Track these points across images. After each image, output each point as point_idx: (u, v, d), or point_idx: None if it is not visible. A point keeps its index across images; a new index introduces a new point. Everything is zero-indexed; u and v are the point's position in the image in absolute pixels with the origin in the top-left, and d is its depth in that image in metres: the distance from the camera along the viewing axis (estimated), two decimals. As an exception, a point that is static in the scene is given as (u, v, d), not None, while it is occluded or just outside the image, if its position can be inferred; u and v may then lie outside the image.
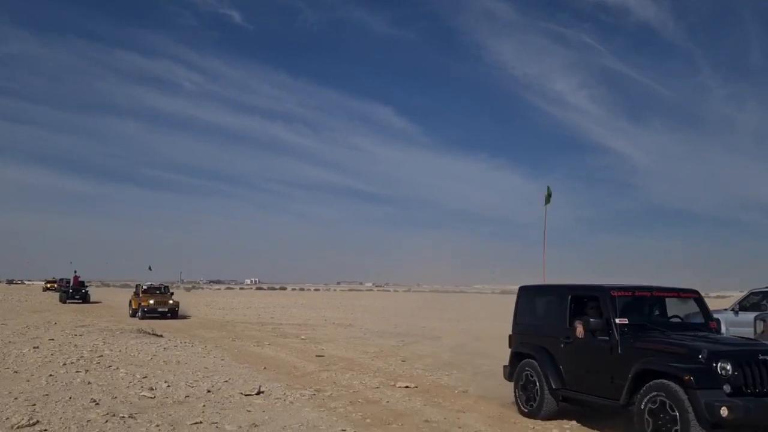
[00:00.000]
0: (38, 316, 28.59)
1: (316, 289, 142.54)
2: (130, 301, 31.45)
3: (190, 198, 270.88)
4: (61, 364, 12.28)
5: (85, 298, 46.52)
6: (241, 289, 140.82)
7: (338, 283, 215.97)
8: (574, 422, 8.00)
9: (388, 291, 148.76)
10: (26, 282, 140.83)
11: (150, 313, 28.29)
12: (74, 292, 46.53)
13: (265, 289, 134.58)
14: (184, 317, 29.97)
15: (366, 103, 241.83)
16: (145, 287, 31.46)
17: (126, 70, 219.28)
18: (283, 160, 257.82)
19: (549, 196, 13.32)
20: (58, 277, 69.52)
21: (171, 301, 29.91)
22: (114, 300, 50.83)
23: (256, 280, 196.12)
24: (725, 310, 16.08)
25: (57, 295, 59.70)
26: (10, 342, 16.22)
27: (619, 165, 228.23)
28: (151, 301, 29.13)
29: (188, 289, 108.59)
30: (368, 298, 75.65)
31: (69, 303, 43.64)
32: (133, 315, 29.67)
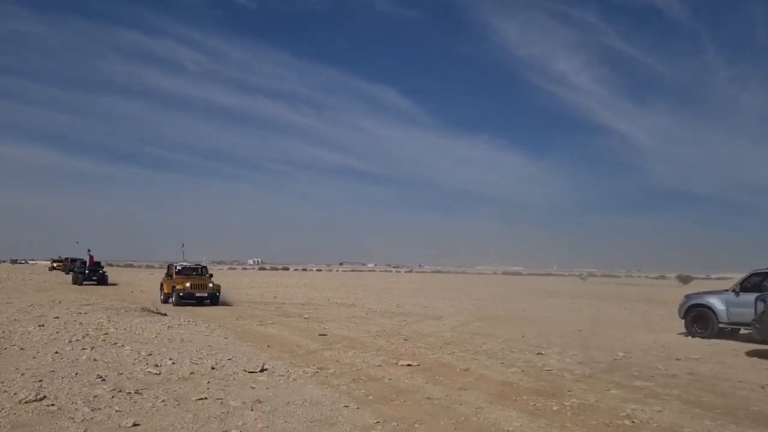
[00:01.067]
0: (43, 294, 28.76)
1: (318, 270, 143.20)
2: (162, 284, 27.07)
3: (193, 178, 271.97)
4: (67, 341, 12.40)
5: (102, 280, 42.25)
6: (243, 269, 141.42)
7: (341, 264, 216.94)
8: (574, 400, 8.09)
9: (390, 272, 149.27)
10: (30, 261, 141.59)
11: (186, 299, 23.93)
12: (90, 272, 42.16)
13: (267, 270, 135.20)
14: (226, 304, 25.28)
15: (369, 83, 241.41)
16: (179, 267, 26.27)
17: (128, 49, 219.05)
18: (286, 140, 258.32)
19: None
20: (63, 257, 67.80)
21: (211, 285, 24.63)
22: (119, 279, 50.83)
23: (259, 260, 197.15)
24: (726, 291, 16.18)
25: (63, 274, 58.17)
26: (15, 320, 16.36)
27: (621, 146, 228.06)
28: (188, 284, 24.08)
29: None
30: (370, 279, 75.95)
31: (85, 285, 40.08)
32: (165, 301, 25.31)
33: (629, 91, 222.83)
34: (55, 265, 70.98)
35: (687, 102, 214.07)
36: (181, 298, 23.81)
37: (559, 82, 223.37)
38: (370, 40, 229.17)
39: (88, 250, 44.22)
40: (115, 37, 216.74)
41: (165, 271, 28.57)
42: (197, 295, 24.05)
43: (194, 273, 26.21)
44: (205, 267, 27.23)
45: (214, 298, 24.46)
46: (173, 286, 24.54)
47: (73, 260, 60.32)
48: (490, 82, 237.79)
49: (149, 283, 47.14)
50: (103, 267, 44.51)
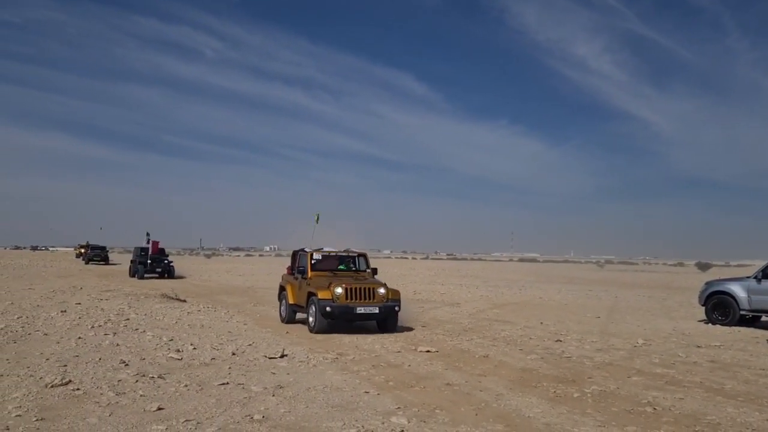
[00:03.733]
0: (64, 281, 29.15)
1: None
2: (283, 289, 15.21)
3: (210, 165, 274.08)
4: (89, 327, 12.58)
5: (168, 272, 33.55)
6: (260, 256, 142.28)
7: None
8: (595, 387, 8.06)
9: (406, 258, 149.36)
10: (50, 248, 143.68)
11: (340, 318, 12.70)
12: (154, 263, 33.27)
13: (284, 256, 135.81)
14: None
15: (387, 69, 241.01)
16: (318, 256, 14.34)
17: (146, 36, 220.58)
18: (303, 126, 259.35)
19: None
20: (91, 243, 63.21)
21: (382, 290, 13.02)
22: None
23: (276, 246, 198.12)
24: (747, 278, 16.00)
25: (83, 262, 55.13)
26: (38, 306, 16.61)
27: (640, 132, 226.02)
28: (339, 290, 12.62)
29: (208, 256, 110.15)
30: (387, 266, 75.98)
31: (147, 278, 32.48)
32: (291, 319, 14.53)
33: (650, 76, 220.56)
34: (83, 251, 64.80)
35: (709, 87, 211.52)
36: (331, 316, 12.60)
37: (578, 66, 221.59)
38: (388, 26, 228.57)
39: (147, 234, 34.61)
40: (132, 24, 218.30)
41: (288, 262, 16.20)
42: (359, 311, 12.62)
43: (343, 266, 14.69)
44: (362, 255, 15.00)
45: (389, 317, 13.13)
46: (311, 293, 13.15)
47: (94, 247, 57.36)
48: (508, 68, 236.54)
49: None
50: (167, 255, 36.07)
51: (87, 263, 53.32)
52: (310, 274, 13.86)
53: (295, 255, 15.45)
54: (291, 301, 14.56)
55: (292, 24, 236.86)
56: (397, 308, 13.12)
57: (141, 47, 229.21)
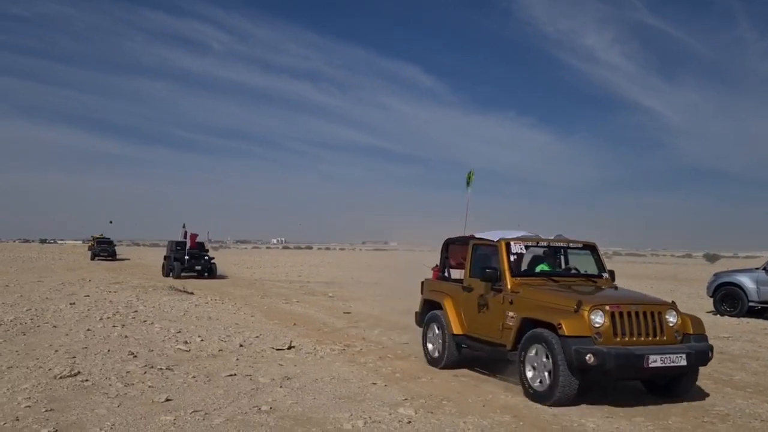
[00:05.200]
0: (72, 273, 29.31)
1: (341, 249, 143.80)
2: (431, 305, 8.89)
3: (217, 158, 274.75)
4: (98, 319, 12.63)
5: (209, 270, 28.54)
6: (267, 248, 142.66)
7: (363, 243, 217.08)
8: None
9: (413, 251, 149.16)
10: (59, 241, 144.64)
11: (623, 372, 6.39)
12: (192, 259, 28.32)
13: (291, 249, 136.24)
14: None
15: (394, 62, 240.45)
16: (520, 248, 7.76)
17: (153, 30, 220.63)
18: (310, 119, 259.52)
19: None
20: (105, 236, 56.32)
21: (672, 317, 6.65)
22: (147, 258, 50.93)
23: (283, 239, 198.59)
24: (756, 269, 15.93)
25: (88, 256, 51.63)
26: (47, 298, 16.69)
27: (649, 123, 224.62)
28: (599, 318, 6.29)
29: (216, 249, 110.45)
30: (394, 258, 75.98)
31: (185, 277, 26.94)
32: (453, 361, 8.33)
33: (659, 67, 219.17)
34: (94, 244, 57.64)
35: (718, 77, 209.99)
36: (597, 371, 6.25)
37: (587, 58, 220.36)
38: (396, 18, 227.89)
39: (183, 226, 29.70)
40: (139, 17, 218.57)
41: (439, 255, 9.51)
42: (653, 363, 6.18)
43: (546, 264, 8.13)
44: (590, 246, 8.40)
45: (692, 371, 6.83)
46: (530, 321, 6.80)
47: (101, 241, 52.42)
48: (516, 59, 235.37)
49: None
50: (208, 251, 30.87)
51: (92, 258, 49.13)
52: (510, 282, 7.42)
53: (458, 245, 9.10)
54: (457, 330, 8.23)
55: (299, 17, 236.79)
56: (710, 354, 6.76)
57: (148, 41, 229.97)
